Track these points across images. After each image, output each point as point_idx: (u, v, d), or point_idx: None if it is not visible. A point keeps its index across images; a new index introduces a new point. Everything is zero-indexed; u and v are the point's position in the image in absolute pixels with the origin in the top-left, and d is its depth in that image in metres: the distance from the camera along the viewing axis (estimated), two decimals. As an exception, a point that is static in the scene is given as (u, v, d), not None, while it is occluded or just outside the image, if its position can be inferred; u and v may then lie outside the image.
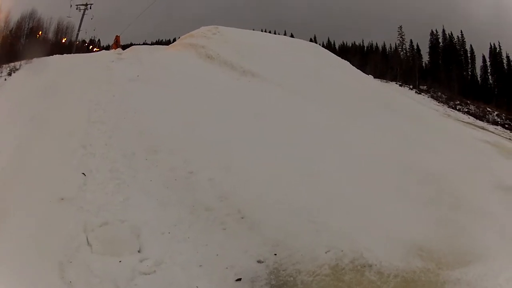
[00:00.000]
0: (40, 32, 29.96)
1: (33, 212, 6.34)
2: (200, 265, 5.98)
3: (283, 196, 7.74)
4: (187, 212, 7.05)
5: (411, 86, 36.25)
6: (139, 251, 6.02)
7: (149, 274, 5.64)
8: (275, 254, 6.32)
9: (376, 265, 6.34)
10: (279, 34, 33.68)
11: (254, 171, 8.51)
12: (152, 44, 31.82)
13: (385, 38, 40.53)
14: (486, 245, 7.47)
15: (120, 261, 5.67)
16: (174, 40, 25.92)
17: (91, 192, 7.13)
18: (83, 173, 7.55)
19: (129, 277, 5.50)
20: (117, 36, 27.89)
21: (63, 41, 32.08)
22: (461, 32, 38.68)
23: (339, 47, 39.59)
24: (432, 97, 34.80)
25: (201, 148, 9.14)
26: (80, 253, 5.65)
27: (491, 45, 37.74)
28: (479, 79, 38.26)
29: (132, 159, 8.47)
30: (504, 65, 37.46)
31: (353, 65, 22.64)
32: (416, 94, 34.90)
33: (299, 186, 8.21)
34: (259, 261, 6.18)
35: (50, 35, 31.29)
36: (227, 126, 10.33)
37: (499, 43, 37.40)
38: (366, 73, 24.81)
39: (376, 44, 41.14)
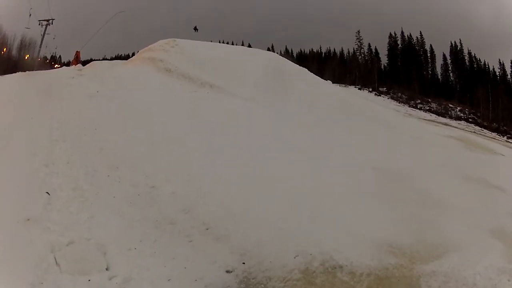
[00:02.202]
0: (5, 49, 29.42)
1: (0, 234, 6.11)
2: (169, 279, 5.80)
3: (247, 205, 7.67)
4: (152, 227, 6.88)
5: (370, 89, 36.92)
6: (107, 269, 5.80)
7: None
8: (244, 263, 6.20)
9: (347, 265, 6.30)
10: (237, 44, 33.92)
11: (216, 182, 8.42)
12: (111, 59, 31.58)
13: (343, 43, 41.28)
14: (458, 237, 7.60)
15: (89, 280, 5.45)
16: (133, 54, 25.73)
17: (56, 211, 6.87)
18: (47, 193, 7.32)
19: None
20: (77, 51, 27.46)
21: (26, 57, 31.47)
22: (420, 33, 39.74)
23: (297, 54, 40.22)
24: (392, 98, 35.63)
25: (162, 162, 9.03)
26: (50, 273, 5.40)
27: (451, 43, 38.85)
28: (439, 77, 39.32)
29: (94, 176, 8.27)
30: (466, 62, 38.62)
31: (311, 71, 22.91)
32: (376, 96, 35.64)
33: (263, 195, 8.16)
34: (228, 271, 6.05)
35: (14, 51, 30.75)
36: (186, 139, 10.25)
37: (460, 40, 38.54)
38: (324, 79, 25.17)
39: (334, 49, 41.92)
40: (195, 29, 25.32)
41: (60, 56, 34.55)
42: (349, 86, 36.22)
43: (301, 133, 12.19)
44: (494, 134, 29.38)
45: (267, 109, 13.52)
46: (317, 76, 22.72)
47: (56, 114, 11.35)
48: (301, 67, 22.44)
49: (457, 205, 9.18)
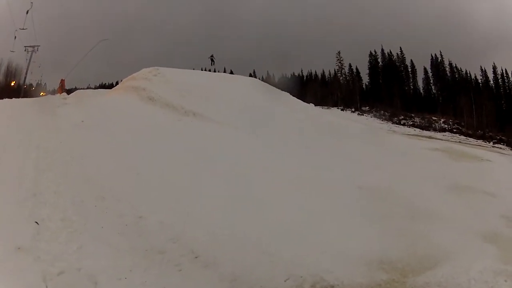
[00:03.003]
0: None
1: None
2: (160, 312, 5.77)
3: (234, 231, 7.65)
4: (141, 257, 6.79)
5: (352, 109, 37.17)
6: None
7: None
8: None
9: (338, 285, 6.27)
10: (219, 71, 34.16)
11: (203, 210, 8.39)
12: (96, 87, 31.51)
13: (324, 65, 41.58)
14: (449, 245, 7.64)
15: None
16: (117, 83, 25.75)
17: (45, 241, 6.80)
18: (36, 222, 7.28)
19: None
20: (62, 80, 27.44)
21: (12, 84, 31.32)
22: (400, 48, 40.16)
23: (278, 79, 40.38)
24: (375, 116, 35.80)
25: (148, 192, 8.98)
26: None
27: (432, 55, 39.29)
28: (422, 91, 39.66)
29: (82, 206, 8.19)
30: (447, 73, 39.00)
31: (293, 95, 23.21)
32: (359, 115, 35.85)
33: (250, 219, 8.14)
34: (219, 300, 6.02)
35: (1, 77, 30.59)
36: (171, 168, 10.22)
37: (440, 52, 38.97)
38: (306, 102, 25.40)
39: (315, 72, 42.16)
40: (212, 60, 24.98)
41: (45, 84, 34.39)
42: (332, 108, 36.37)
43: (285, 157, 12.26)
44: (479, 142, 29.55)
45: (251, 135, 13.59)
46: (299, 100, 23.00)
47: (43, 143, 11.30)
48: (283, 91, 22.69)
49: (446, 214, 9.25)
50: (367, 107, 37.44)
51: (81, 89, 24.86)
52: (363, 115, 36.00)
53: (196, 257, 6.87)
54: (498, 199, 10.77)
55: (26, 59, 29.94)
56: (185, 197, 8.84)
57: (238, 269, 6.55)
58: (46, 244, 6.71)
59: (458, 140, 28.27)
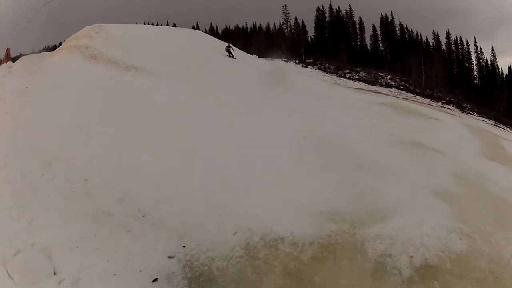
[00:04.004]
0: None
1: None
2: (115, 274, 5.71)
3: (180, 188, 7.56)
4: (90, 221, 6.68)
5: (297, 61, 37.32)
6: (54, 273, 5.67)
7: None
8: (184, 246, 6.16)
9: (288, 236, 6.35)
10: (162, 25, 33.48)
11: (148, 167, 8.23)
12: (40, 51, 30.21)
13: (269, 18, 41.48)
14: (399, 199, 7.75)
15: None
16: (61, 44, 24.79)
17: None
18: None
19: None
20: (7, 48, 26.17)
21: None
22: (350, 5, 40.55)
23: (222, 31, 39.99)
24: (319, 69, 36.09)
25: (93, 153, 8.70)
26: None
27: (382, 15, 39.89)
28: (369, 47, 40.30)
29: (30, 176, 7.83)
30: (397, 33, 39.72)
31: (237, 47, 23.08)
32: (303, 67, 36.03)
33: (196, 175, 8.06)
34: (170, 257, 5.99)
35: None
36: (115, 126, 9.92)
37: (391, 12, 39.60)
38: (250, 54, 25.42)
39: (260, 24, 42.02)
40: (229, 51, 23.05)
41: None
42: (276, 59, 36.43)
43: (228, 107, 12.12)
44: (428, 101, 30.27)
45: (194, 87, 13.29)
46: (242, 51, 22.97)
47: None
48: (226, 42, 22.58)
49: (394, 168, 9.35)
50: (312, 60, 37.73)
51: (26, 55, 23.86)
52: (307, 67, 36.23)
53: (143, 216, 6.82)
54: (447, 157, 11.01)
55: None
56: (130, 155, 8.66)
57: (187, 225, 6.56)
58: (0, 224, 6.50)
59: (405, 97, 28.78)
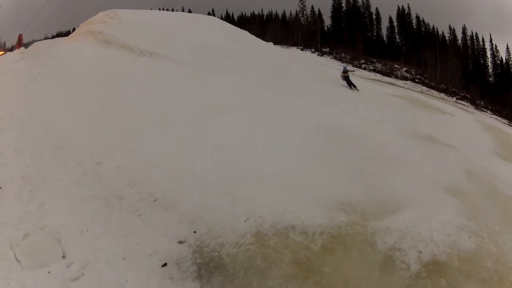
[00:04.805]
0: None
1: None
2: (124, 258, 5.72)
3: (192, 173, 7.55)
4: (101, 205, 6.73)
5: (312, 49, 37.13)
6: (63, 257, 5.66)
7: (79, 279, 5.37)
8: (195, 232, 6.15)
9: (299, 225, 6.33)
10: (177, 11, 33.36)
11: (160, 152, 8.25)
12: (53, 37, 30.37)
13: (285, 6, 41.31)
14: (409, 193, 7.69)
15: (49, 272, 5.34)
16: (74, 29, 24.81)
17: (9, 205, 6.56)
18: (0, 187, 7.08)
19: (61, 286, 5.22)
20: (20, 35, 26.32)
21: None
22: (366, -5, 40.39)
23: (237, 18, 40.05)
24: (335, 58, 35.99)
25: (105, 137, 8.75)
26: (13, 272, 5.25)
27: (399, 7, 39.61)
28: (385, 38, 40.13)
29: (41, 160, 7.92)
30: (413, 25, 39.52)
31: (252, 34, 23.04)
32: (318, 56, 35.89)
33: (207, 161, 8.05)
34: (180, 242, 6.00)
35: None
36: (129, 111, 10.00)
37: (408, 5, 39.34)
38: (266, 41, 25.19)
39: (276, 12, 41.92)
40: None
41: (4, 43, 33.06)
42: (291, 47, 36.31)
43: (241, 94, 12.12)
44: (442, 95, 30.07)
45: (207, 73, 13.31)
46: (258, 38, 22.78)
47: (1, 102, 10.87)
48: (242, 29, 22.42)
49: (406, 161, 9.30)
50: (328, 49, 37.60)
51: (39, 40, 23.93)
52: (323, 56, 36.16)
53: (155, 200, 6.83)
54: (459, 152, 10.98)
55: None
56: (142, 140, 8.68)
57: (198, 210, 6.55)
58: (10, 207, 6.48)
59: (420, 90, 28.56)
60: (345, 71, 17.58)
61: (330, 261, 5.91)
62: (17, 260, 5.46)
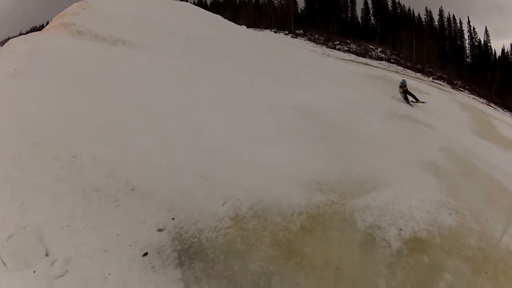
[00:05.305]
0: None
1: None
2: (105, 250, 5.71)
3: (168, 161, 7.47)
4: (79, 198, 6.64)
5: (286, 32, 37.14)
6: (47, 255, 5.65)
7: (63, 276, 5.39)
8: (173, 218, 6.15)
9: (276, 206, 6.36)
10: None
11: (136, 142, 8.11)
12: (27, 32, 29.80)
13: None
14: (387, 171, 7.79)
15: (34, 272, 5.36)
16: (47, 23, 24.36)
17: None
18: None
19: (47, 285, 5.26)
20: None
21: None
22: (342, -22, 40.46)
23: (210, 3, 39.77)
24: (309, 39, 35.93)
25: (82, 130, 8.54)
26: (0, 275, 5.29)
27: (373, -12, 39.93)
28: (359, 20, 40.28)
29: (20, 159, 7.67)
30: (388, 7, 39.73)
31: (225, 18, 22.85)
32: (292, 38, 35.85)
33: (182, 147, 7.98)
34: (159, 230, 5.99)
35: None
36: (103, 102, 9.73)
37: (382, -14, 39.61)
38: (239, 24, 25.09)
39: None
40: None
41: None
42: (265, 30, 36.17)
43: (214, 79, 11.90)
44: (418, 75, 30.24)
45: (180, 59, 13.05)
46: (231, 22, 22.66)
47: None
48: (214, 14, 22.26)
49: (383, 140, 9.37)
50: (301, 31, 37.60)
51: (14, 37, 23.45)
52: (297, 38, 36.11)
53: (132, 189, 6.77)
54: (437, 131, 11.10)
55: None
56: (118, 130, 8.55)
57: (175, 196, 6.54)
58: None
59: (395, 70, 28.68)
60: (404, 85, 14.07)
61: (309, 241, 5.97)
62: (3, 263, 5.45)
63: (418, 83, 20.69)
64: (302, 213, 6.34)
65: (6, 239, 5.79)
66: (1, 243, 5.71)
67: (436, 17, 38.68)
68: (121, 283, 5.40)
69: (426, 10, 38.73)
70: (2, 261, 5.48)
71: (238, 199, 6.45)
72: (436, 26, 38.35)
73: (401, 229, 6.27)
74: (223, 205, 6.38)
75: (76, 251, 5.71)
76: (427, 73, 32.41)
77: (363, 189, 7.09)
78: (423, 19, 38.50)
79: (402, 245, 6.03)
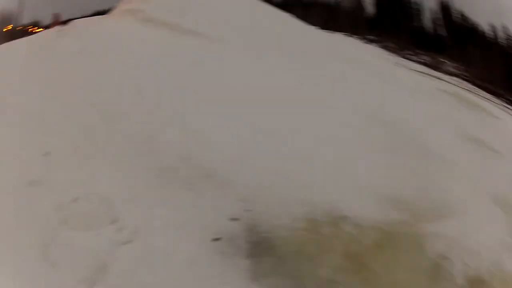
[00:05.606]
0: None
1: (5, 199, 5.94)
2: (176, 228, 5.80)
3: (246, 154, 7.48)
4: (154, 176, 6.72)
5: (357, 36, 36.42)
6: (115, 221, 5.77)
7: (128, 243, 5.47)
8: (248, 210, 6.17)
9: (351, 217, 6.26)
10: None
11: (212, 131, 8.09)
12: (92, 15, 30.44)
13: None
14: (459, 198, 7.52)
15: (98, 234, 5.48)
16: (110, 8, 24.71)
17: (57, 171, 6.66)
18: (47, 153, 7.19)
19: (109, 249, 5.34)
20: (57, 14, 26.44)
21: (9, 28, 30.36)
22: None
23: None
24: (381, 46, 35.07)
25: (155, 113, 8.59)
26: (59, 232, 5.43)
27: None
28: (429, 30, 39.18)
29: (90, 131, 7.83)
30: (457, 19, 38.43)
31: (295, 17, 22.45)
32: (364, 43, 35.06)
33: (262, 143, 7.93)
34: (232, 219, 6.02)
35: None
36: (172, 89, 9.69)
37: (449, -1, 38.41)
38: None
39: None
40: None
41: (38, 22, 33.35)
42: (335, 33, 35.59)
43: (290, 80, 11.48)
44: (490, 96, 29.10)
45: (253, 56, 12.72)
46: (301, 22, 22.33)
47: (44, 74, 10.88)
48: (284, 12, 21.97)
49: (457, 163, 8.98)
50: (373, 37, 36.83)
51: (76, 18, 23.90)
52: (369, 43, 35.39)
53: (209, 176, 6.81)
54: (506, 161, 10.52)
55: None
56: (192, 117, 8.57)
57: (253, 190, 6.56)
58: (58, 174, 6.63)
59: (467, 88, 27.65)
60: None
61: (380, 258, 5.83)
62: (64, 222, 5.61)
63: (489, 105, 19.81)
64: (376, 228, 6.22)
65: (70, 201, 5.97)
66: (64, 204, 5.89)
67: (501, 35, 37.02)
68: (187, 261, 5.44)
69: (491, 26, 37.25)
70: (64, 220, 5.66)
71: (315, 203, 6.41)
72: (503, 45, 36.79)
73: (467, 265, 6.03)
74: (299, 206, 6.34)
75: (146, 223, 5.80)
76: (499, 96, 31.14)
77: (435, 214, 6.88)
78: (488, 36, 37.02)
79: (465, 282, 5.79)
